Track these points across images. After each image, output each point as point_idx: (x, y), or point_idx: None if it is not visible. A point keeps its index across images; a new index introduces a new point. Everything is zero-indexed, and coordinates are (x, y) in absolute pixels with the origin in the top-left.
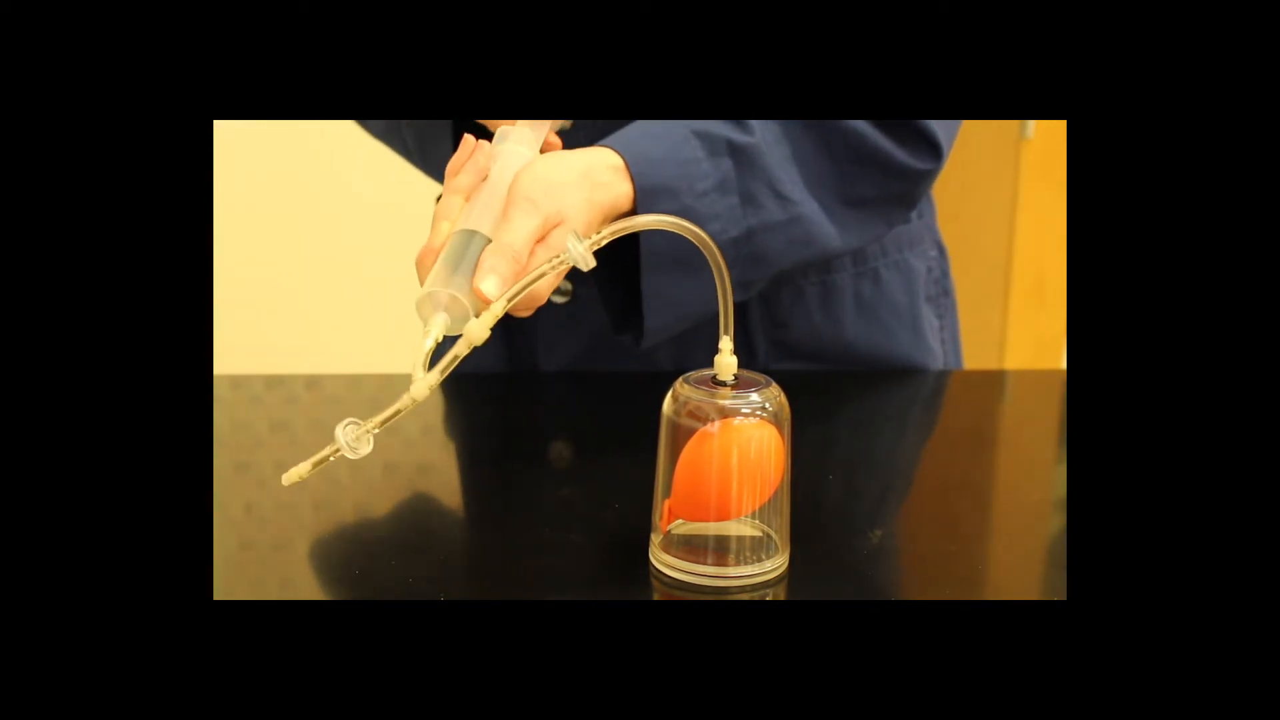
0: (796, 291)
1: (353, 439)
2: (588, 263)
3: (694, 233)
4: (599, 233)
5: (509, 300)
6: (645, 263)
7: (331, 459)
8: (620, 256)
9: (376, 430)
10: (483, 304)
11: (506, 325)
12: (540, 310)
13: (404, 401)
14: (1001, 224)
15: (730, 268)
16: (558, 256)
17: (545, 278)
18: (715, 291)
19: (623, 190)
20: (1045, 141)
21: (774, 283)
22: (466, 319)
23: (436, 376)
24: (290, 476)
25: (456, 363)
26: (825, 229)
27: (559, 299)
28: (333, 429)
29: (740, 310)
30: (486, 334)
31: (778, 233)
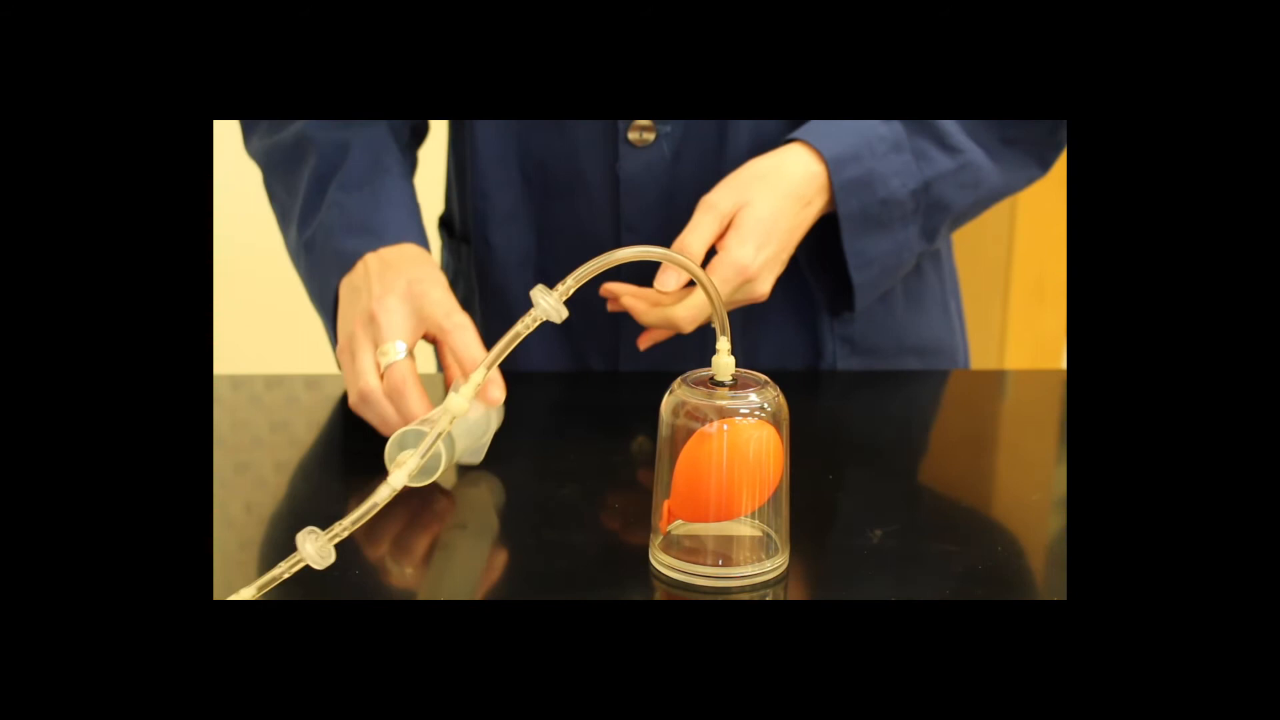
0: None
1: (316, 550)
2: (561, 314)
3: (675, 259)
4: (566, 284)
5: (488, 368)
6: (844, 226)
7: (286, 577)
8: (821, 238)
9: (347, 534)
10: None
11: (571, 330)
12: (613, 317)
13: (381, 494)
14: (1001, 224)
15: (914, 216)
16: (531, 316)
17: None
18: (906, 245)
19: (813, 169)
20: None
21: (951, 225)
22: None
23: (417, 460)
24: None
25: (441, 437)
26: (988, 168)
27: None
28: (332, 429)
29: (810, 310)
30: (467, 406)
31: (950, 179)
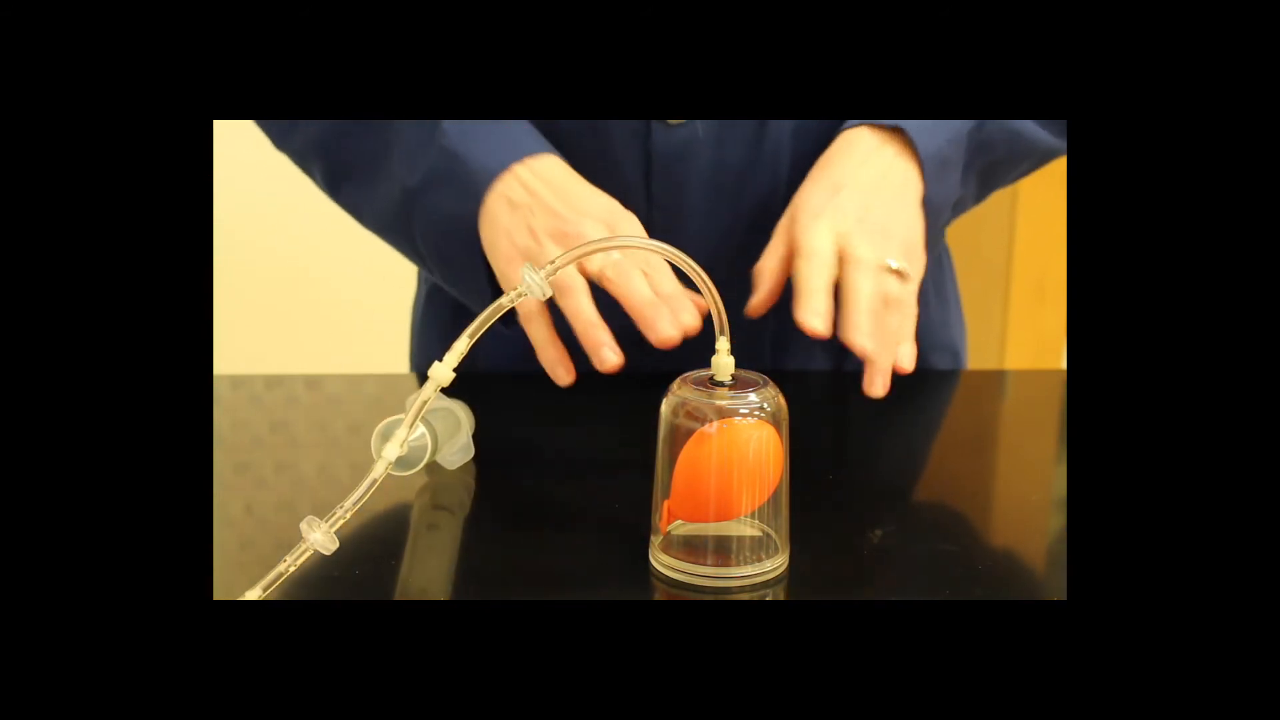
0: None
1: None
2: (545, 292)
3: (676, 255)
4: (553, 262)
5: (471, 337)
6: (926, 169)
7: (292, 570)
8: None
9: (349, 516)
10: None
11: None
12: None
13: (378, 469)
14: (1001, 224)
15: (962, 156)
16: (516, 290)
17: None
18: (952, 187)
19: (853, 130)
20: None
21: (982, 174)
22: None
23: (405, 431)
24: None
25: (426, 407)
26: (1029, 123)
27: None
28: (332, 429)
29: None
30: (451, 375)
31: (997, 124)
